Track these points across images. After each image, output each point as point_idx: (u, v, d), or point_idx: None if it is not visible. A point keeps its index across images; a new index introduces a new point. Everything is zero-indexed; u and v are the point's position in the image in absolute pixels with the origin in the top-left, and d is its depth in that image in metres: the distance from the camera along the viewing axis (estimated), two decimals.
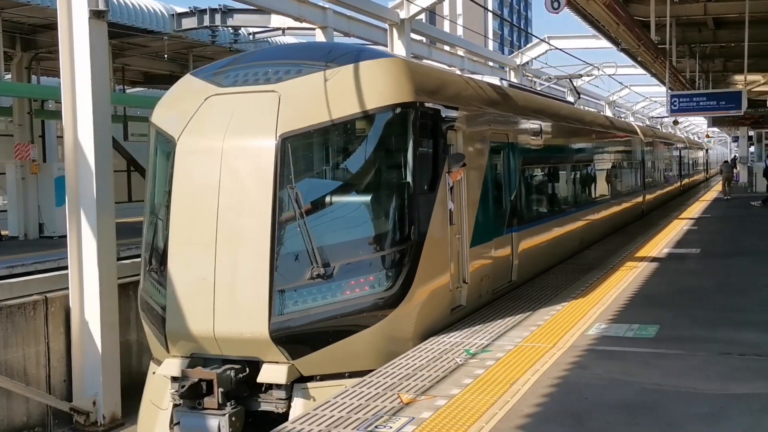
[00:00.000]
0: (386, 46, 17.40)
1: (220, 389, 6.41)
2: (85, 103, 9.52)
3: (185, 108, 7.22)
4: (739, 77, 28.02)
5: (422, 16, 18.60)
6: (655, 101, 43.67)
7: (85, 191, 9.53)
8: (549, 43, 25.04)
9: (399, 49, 16.94)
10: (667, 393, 5.44)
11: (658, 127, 43.33)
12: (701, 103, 15.53)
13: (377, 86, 7.01)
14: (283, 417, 6.37)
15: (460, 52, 23.39)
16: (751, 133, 38.59)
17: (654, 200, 23.04)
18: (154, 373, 7.19)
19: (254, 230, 6.61)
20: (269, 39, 20.50)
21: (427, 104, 7.37)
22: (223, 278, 6.60)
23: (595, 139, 15.47)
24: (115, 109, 20.97)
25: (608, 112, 36.10)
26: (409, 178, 7.03)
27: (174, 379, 6.74)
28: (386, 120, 7.05)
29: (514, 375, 5.94)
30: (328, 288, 6.61)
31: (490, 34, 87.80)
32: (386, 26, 17.24)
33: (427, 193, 7.26)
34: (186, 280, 6.75)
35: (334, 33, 16.25)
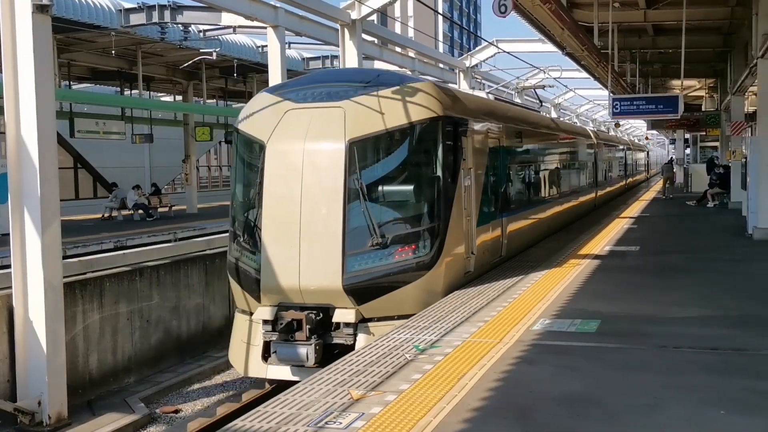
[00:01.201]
0: (337, 46, 17.38)
1: (308, 326, 8.55)
2: (29, 99, 9.26)
3: (269, 118, 9.30)
4: (676, 82, 28.81)
5: (374, 17, 18.62)
6: (599, 104, 44.52)
7: (28, 188, 9.27)
8: (497, 47, 25.34)
9: (350, 49, 16.92)
10: (608, 385, 5.57)
11: (605, 130, 44.29)
12: (641, 107, 15.84)
13: (417, 104, 9.21)
14: (350, 348, 8.39)
15: (411, 54, 23.48)
16: (687, 135, 39.63)
17: (605, 195, 25.75)
18: (250, 318, 9.12)
19: (330, 211, 8.73)
20: (220, 37, 20.29)
21: (450, 117, 9.57)
22: (306, 246, 8.72)
23: (561, 142, 18.07)
24: (61, 105, 20.47)
25: (553, 114, 36.67)
26: (439, 173, 9.30)
27: (265, 322, 8.75)
28: (423, 129, 9.21)
29: (461, 370, 6.00)
30: (383, 254, 8.78)
31: (440, 37, 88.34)
32: (338, 26, 17.20)
33: (451, 183, 9.44)
34: (277, 248, 8.83)
35: (286, 32, 16.16)
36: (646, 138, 60.52)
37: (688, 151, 42.76)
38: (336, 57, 21.67)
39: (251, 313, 9.11)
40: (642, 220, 19.35)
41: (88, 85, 26.07)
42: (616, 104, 15.58)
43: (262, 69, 21.36)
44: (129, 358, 11.56)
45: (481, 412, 5.04)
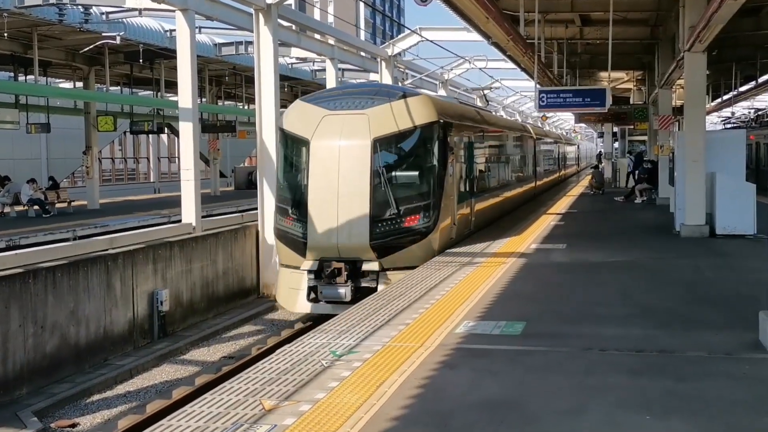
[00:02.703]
0: (252, 31, 17.18)
1: (345, 273, 12.50)
2: None
3: (310, 121, 13.13)
4: (604, 74, 29.58)
5: (291, 2, 18.46)
6: (525, 95, 45.36)
7: None
8: (420, 35, 25.47)
9: (265, 36, 16.74)
10: (530, 389, 5.69)
11: (537, 124, 45.37)
12: (568, 99, 16.13)
13: (419, 111, 13.15)
14: (373, 290, 11.95)
15: (331, 41, 23.40)
16: (615, 129, 40.75)
17: (543, 185, 30.44)
18: (302, 270, 12.84)
19: (360, 189, 12.59)
20: (124, 20, 19.78)
21: (442, 121, 13.48)
22: (343, 214, 12.54)
23: (511, 138, 22.46)
24: None
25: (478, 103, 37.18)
26: (435, 162, 13.33)
27: (310, 272, 12.69)
28: (425, 129, 13.20)
29: (381, 376, 6.02)
30: (397, 221, 12.72)
31: (362, 23, 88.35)
32: (252, 11, 16.99)
33: (443, 170, 13.45)
34: (320, 217, 12.61)
35: (196, 16, 15.87)
36: (574, 131, 62.14)
37: (616, 144, 44.02)
38: (250, 43, 21.41)
39: (295, 268, 12.96)
40: (569, 217, 19.84)
41: None
42: (543, 96, 15.85)
43: (170, 55, 20.92)
44: (21, 368, 11.17)
45: (401, 421, 5.07)
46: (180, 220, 15.93)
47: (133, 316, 13.14)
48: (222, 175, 36.75)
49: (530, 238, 15.01)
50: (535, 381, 5.91)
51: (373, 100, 13.18)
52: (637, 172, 26.81)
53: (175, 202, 17.73)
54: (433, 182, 13.13)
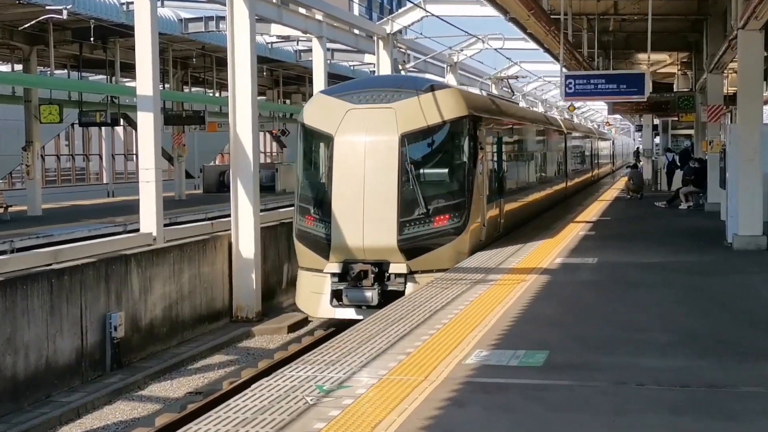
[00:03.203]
0: (223, 4, 17.20)
1: (372, 275, 13.70)
2: None
3: (333, 116, 14.41)
4: (642, 56, 29.61)
5: None
6: (549, 81, 45.45)
7: None
8: (425, 9, 25.53)
9: (240, 10, 16.75)
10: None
11: (565, 116, 45.57)
12: (600, 86, 16.13)
13: (449, 105, 14.51)
14: (401, 293, 13.01)
15: (318, 16, 23.45)
16: (656, 121, 40.78)
17: (574, 186, 32.30)
18: (325, 273, 14.09)
19: (387, 187, 13.86)
20: None
21: (473, 115, 14.95)
22: (369, 214, 13.79)
23: (541, 133, 24.35)
24: None
25: (495, 91, 37.28)
26: (465, 159, 14.79)
27: (333, 274, 13.89)
28: (454, 124, 14.66)
29: (376, 416, 6.04)
30: (426, 221, 14.02)
31: None
32: None
33: (473, 168, 14.83)
34: (345, 216, 13.89)
35: None
36: (607, 124, 62.29)
37: (657, 140, 44.01)
38: (222, 18, 21.47)
39: (317, 271, 14.21)
40: (601, 225, 19.89)
41: None
42: (570, 82, 15.89)
43: (127, 32, 20.97)
44: None
45: None
46: (138, 230, 15.95)
47: (82, 343, 13.14)
48: (188, 175, 36.82)
49: (555, 249, 15.05)
50: (559, 422, 5.92)
51: (400, 93, 14.44)
52: (682, 172, 26.82)
53: (133, 208, 17.75)
54: (464, 180, 14.60)
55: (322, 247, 14.15)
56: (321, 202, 14.42)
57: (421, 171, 14.19)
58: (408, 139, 14.04)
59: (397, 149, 13.90)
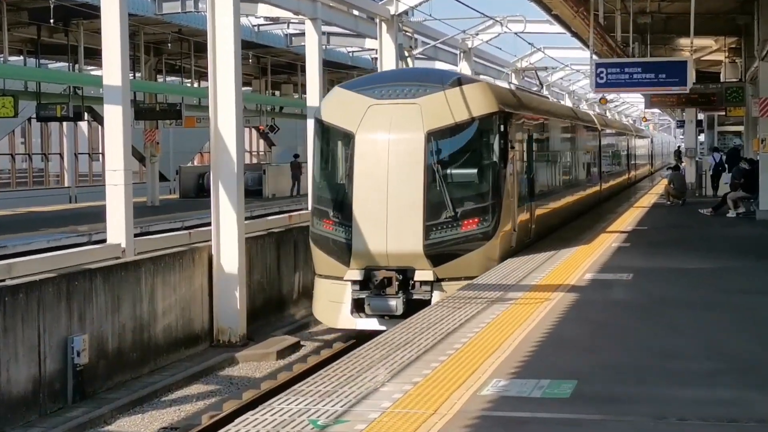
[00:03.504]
0: None
1: (396, 283, 14.38)
2: None
3: (354, 112, 15.12)
4: (684, 41, 29.64)
5: None
6: (577, 70, 45.49)
7: None
8: None
9: None
10: None
11: (596, 110, 45.73)
12: (636, 76, 16.24)
13: (477, 101, 15.22)
14: (427, 302, 13.62)
15: None
16: (701, 116, 40.74)
17: (608, 189, 33.19)
18: (345, 281, 14.87)
19: (412, 189, 14.52)
20: None
21: (503, 111, 15.63)
22: (393, 217, 14.47)
23: (575, 131, 25.13)
24: None
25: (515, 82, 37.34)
26: (496, 159, 15.52)
27: (354, 282, 14.65)
28: (484, 121, 15.34)
29: None
30: (454, 225, 14.73)
31: None
32: None
33: (504, 168, 15.57)
34: (367, 220, 14.58)
35: None
36: (644, 119, 62.28)
37: (702, 138, 43.95)
38: None
39: (336, 278, 14.94)
40: (637, 236, 19.88)
41: None
42: (601, 71, 16.04)
43: (92, 13, 21.05)
44: None
45: None
46: (105, 240, 15.97)
47: (39, 371, 13.13)
48: (163, 177, 36.89)
49: (585, 262, 15.06)
50: None
51: (425, 88, 15.23)
52: (729, 175, 26.80)
53: (98, 215, 17.78)
54: (494, 181, 15.36)
55: (342, 252, 14.86)
56: (341, 204, 15.14)
57: (449, 171, 14.84)
58: (434, 136, 14.70)
59: (422, 148, 14.56)
